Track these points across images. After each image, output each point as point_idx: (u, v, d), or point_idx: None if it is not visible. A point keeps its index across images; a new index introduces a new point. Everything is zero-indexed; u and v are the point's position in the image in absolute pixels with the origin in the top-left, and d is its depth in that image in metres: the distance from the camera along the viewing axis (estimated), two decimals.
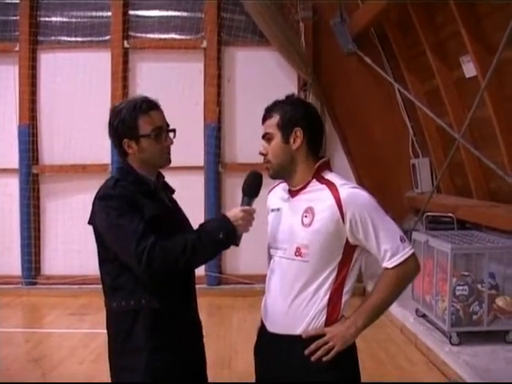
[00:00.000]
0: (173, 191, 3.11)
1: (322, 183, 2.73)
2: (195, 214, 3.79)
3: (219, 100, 9.30)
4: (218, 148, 9.29)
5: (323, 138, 2.87)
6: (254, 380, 2.95)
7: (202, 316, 3.06)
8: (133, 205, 2.72)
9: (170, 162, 2.94)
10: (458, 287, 6.19)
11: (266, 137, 2.78)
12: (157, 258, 2.61)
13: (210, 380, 3.09)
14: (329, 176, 2.76)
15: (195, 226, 2.92)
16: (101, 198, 2.77)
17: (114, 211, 2.70)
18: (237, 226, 2.73)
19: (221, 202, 9.33)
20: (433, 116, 7.73)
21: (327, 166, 2.82)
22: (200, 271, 8.31)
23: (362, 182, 8.73)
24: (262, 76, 9.26)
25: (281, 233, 2.80)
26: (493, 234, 6.79)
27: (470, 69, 6.87)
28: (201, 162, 9.31)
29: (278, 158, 2.75)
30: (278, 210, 2.85)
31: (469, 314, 6.15)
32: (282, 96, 2.84)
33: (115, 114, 2.84)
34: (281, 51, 9.10)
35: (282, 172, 2.79)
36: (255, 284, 8.77)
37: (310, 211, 2.69)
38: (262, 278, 9.91)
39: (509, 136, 6.46)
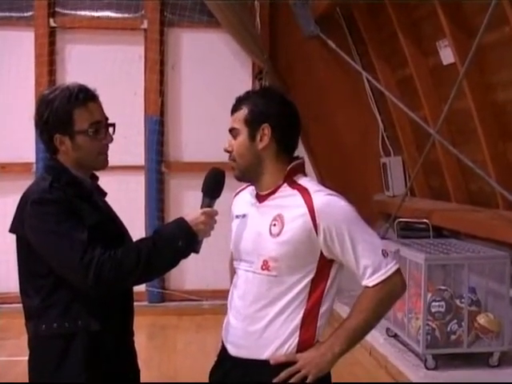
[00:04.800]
0: (105, 194, 3.06)
1: (293, 188, 2.71)
2: (134, 219, 3.78)
3: (162, 89, 9.25)
4: (161, 145, 9.24)
5: (298, 137, 2.83)
6: None
7: (143, 338, 3.06)
8: (73, 210, 2.68)
9: (107, 163, 2.90)
10: (433, 303, 6.25)
11: (233, 132, 2.75)
12: (107, 270, 2.57)
13: None
14: (302, 181, 2.75)
15: (134, 234, 2.89)
16: (35, 203, 2.69)
17: (53, 218, 2.65)
18: (197, 230, 2.70)
19: (164, 206, 9.27)
20: (405, 109, 7.80)
21: (301, 170, 2.81)
22: (140, 287, 8.13)
23: (324, 183, 8.72)
24: (212, 62, 9.24)
25: (246, 243, 2.77)
26: (473, 242, 6.86)
27: (447, 55, 6.94)
28: (141, 160, 9.24)
29: (243, 158, 2.73)
30: (244, 216, 2.83)
31: (446, 334, 6.21)
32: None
33: (45, 104, 2.77)
34: (233, 34, 9.07)
35: (248, 173, 2.77)
36: (203, 301, 8.77)
37: (279, 219, 2.67)
38: (210, 295, 9.85)
39: (490, 131, 6.54)
